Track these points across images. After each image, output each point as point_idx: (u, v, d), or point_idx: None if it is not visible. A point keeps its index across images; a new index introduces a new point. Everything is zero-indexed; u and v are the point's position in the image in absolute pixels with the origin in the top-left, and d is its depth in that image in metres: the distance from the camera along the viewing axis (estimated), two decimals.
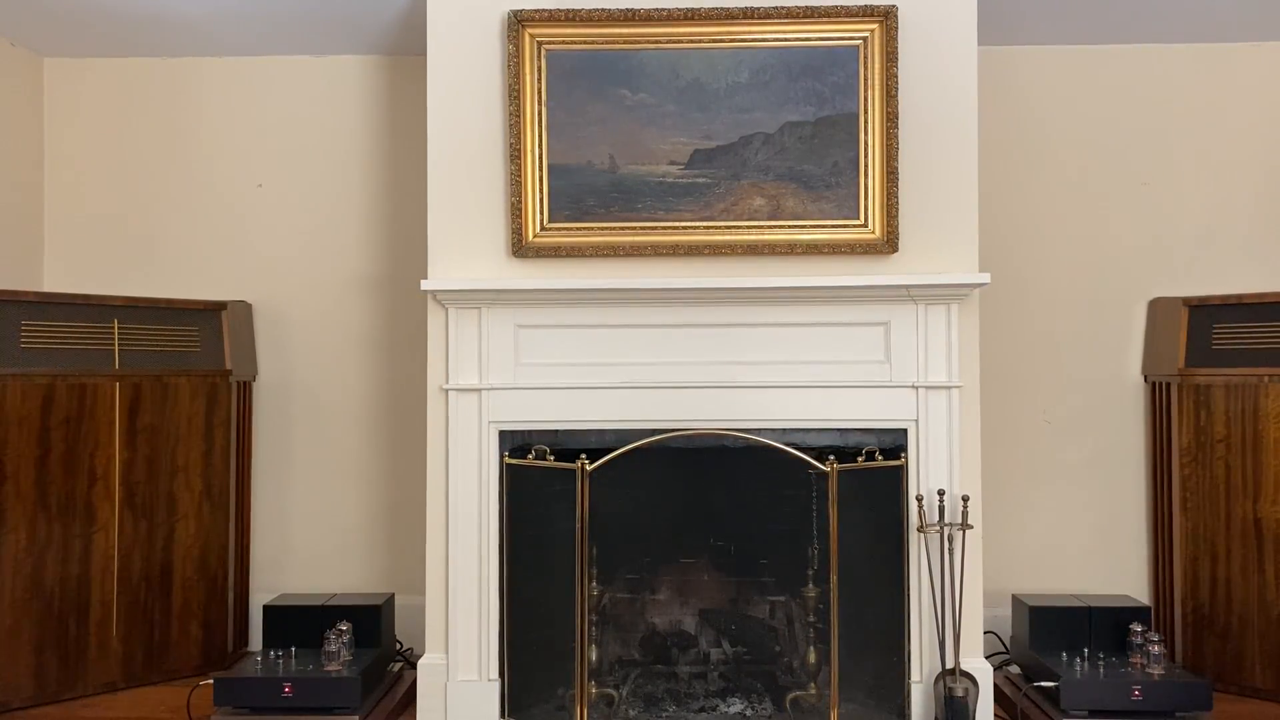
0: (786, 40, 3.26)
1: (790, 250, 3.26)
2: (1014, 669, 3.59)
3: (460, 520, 3.27)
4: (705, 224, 3.28)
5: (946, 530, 3.15)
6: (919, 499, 3.19)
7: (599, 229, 3.29)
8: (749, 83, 3.27)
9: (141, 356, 3.67)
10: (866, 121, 3.25)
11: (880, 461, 3.19)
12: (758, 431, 3.20)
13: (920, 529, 3.18)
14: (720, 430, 3.22)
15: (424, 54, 3.38)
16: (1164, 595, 3.77)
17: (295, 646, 3.41)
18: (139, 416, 3.65)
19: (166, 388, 3.72)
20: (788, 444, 3.14)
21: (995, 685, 3.33)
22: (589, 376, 3.27)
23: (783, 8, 3.24)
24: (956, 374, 3.23)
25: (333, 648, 3.28)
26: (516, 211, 3.27)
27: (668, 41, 3.27)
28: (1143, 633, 3.29)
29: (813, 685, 3.27)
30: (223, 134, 4.11)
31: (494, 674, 3.27)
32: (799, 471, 3.17)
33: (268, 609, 3.53)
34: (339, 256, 4.07)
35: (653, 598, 3.50)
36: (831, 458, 3.07)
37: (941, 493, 3.16)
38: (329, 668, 3.24)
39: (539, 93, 3.28)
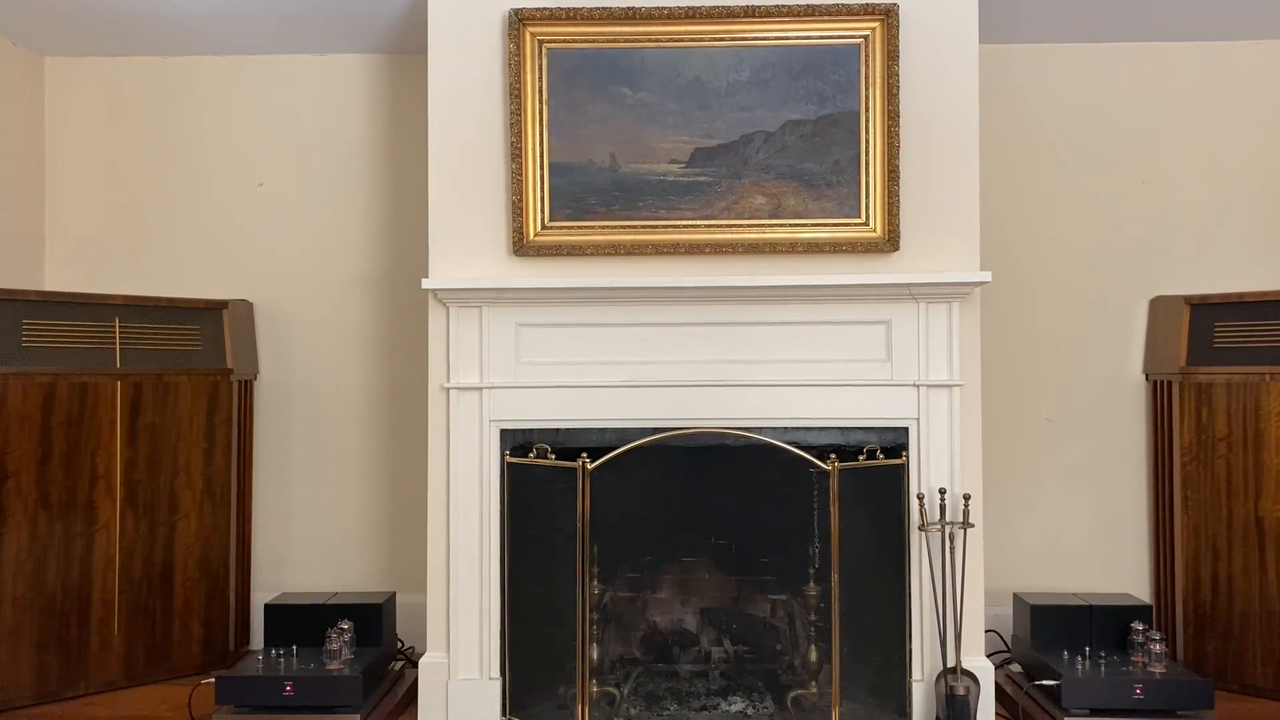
0: (788, 39, 3.26)
1: (791, 249, 3.26)
2: (1015, 668, 3.59)
3: (461, 519, 3.27)
4: (706, 222, 3.28)
5: (948, 529, 3.15)
6: (920, 497, 3.19)
7: (600, 227, 3.29)
8: (750, 81, 3.27)
9: (143, 355, 3.68)
10: (868, 120, 3.25)
11: (881, 460, 3.19)
12: (759, 430, 3.20)
13: (921, 527, 3.18)
14: (721, 429, 3.22)
15: (425, 53, 3.38)
16: (1165, 594, 3.77)
17: (296, 645, 3.41)
18: (140, 415, 3.65)
19: (168, 387, 3.72)
20: (789, 443, 3.14)
21: (996, 684, 3.33)
22: (590, 375, 3.27)
23: (784, 6, 3.23)
24: (958, 372, 3.23)
25: (334, 646, 3.28)
26: (517, 210, 3.27)
27: (669, 40, 3.27)
28: (1144, 631, 3.29)
29: (814, 684, 3.27)
30: (223, 133, 4.11)
31: (495, 672, 3.27)
32: (800, 470, 3.17)
33: (269, 608, 3.53)
34: (340, 255, 4.07)
35: (654, 596, 3.50)
36: (833, 456, 3.07)
37: (943, 491, 3.16)
38: (330, 666, 3.24)
39: (540, 91, 3.28)
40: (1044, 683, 3.24)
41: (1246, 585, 3.54)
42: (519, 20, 3.26)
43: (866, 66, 3.24)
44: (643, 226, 3.28)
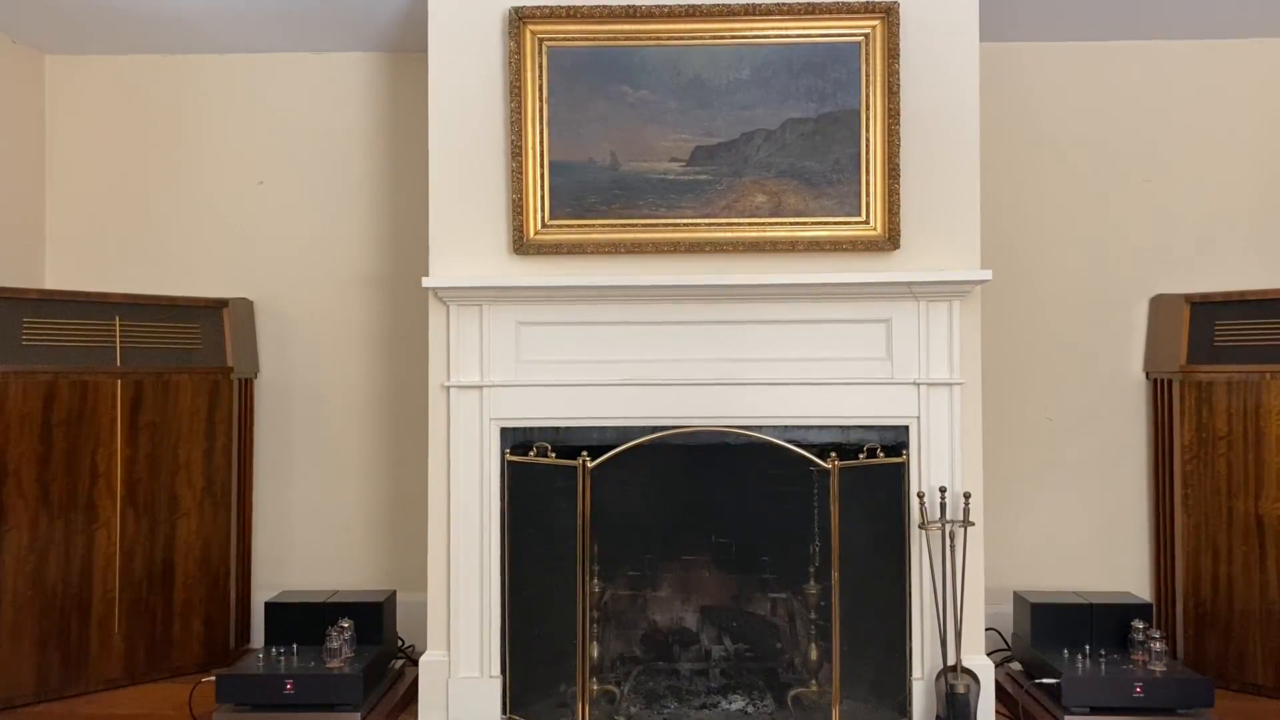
0: (788, 36, 3.26)
1: (792, 247, 3.26)
2: (1015, 666, 3.59)
3: (462, 517, 3.27)
4: (707, 221, 3.28)
5: (948, 527, 3.15)
6: (920, 496, 3.19)
7: (600, 226, 3.28)
8: (750, 79, 3.27)
9: (143, 354, 3.68)
10: (868, 118, 3.24)
11: (882, 459, 3.19)
12: (759, 429, 3.20)
13: (922, 526, 3.18)
14: (722, 427, 3.22)
15: (425, 51, 3.38)
16: (1165, 592, 3.77)
17: (297, 643, 3.41)
18: (140, 414, 3.65)
19: (168, 385, 3.72)
20: (789, 441, 3.14)
21: (997, 682, 3.33)
22: (590, 373, 3.27)
23: (784, 4, 3.23)
24: (958, 371, 3.23)
25: (334, 645, 3.28)
26: (518, 209, 3.27)
27: (669, 38, 3.27)
28: (1144, 630, 3.29)
29: (814, 682, 3.27)
30: (224, 131, 4.11)
31: (495, 671, 3.27)
32: (800, 468, 3.17)
33: (269, 606, 3.53)
34: (340, 254, 4.07)
35: (654, 594, 3.50)
36: (833, 455, 3.07)
37: (943, 490, 3.16)
38: (331, 665, 3.24)
39: (540, 90, 3.27)
40: (1044, 681, 3.24)
41: (1247, 584, 3.54)
42: (519, 19, 3.26)
43: (867, 64, 3.24)
44: (643, 225, 3.28)
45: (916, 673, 3.23)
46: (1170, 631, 3.70)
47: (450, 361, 3.29)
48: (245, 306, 4.01)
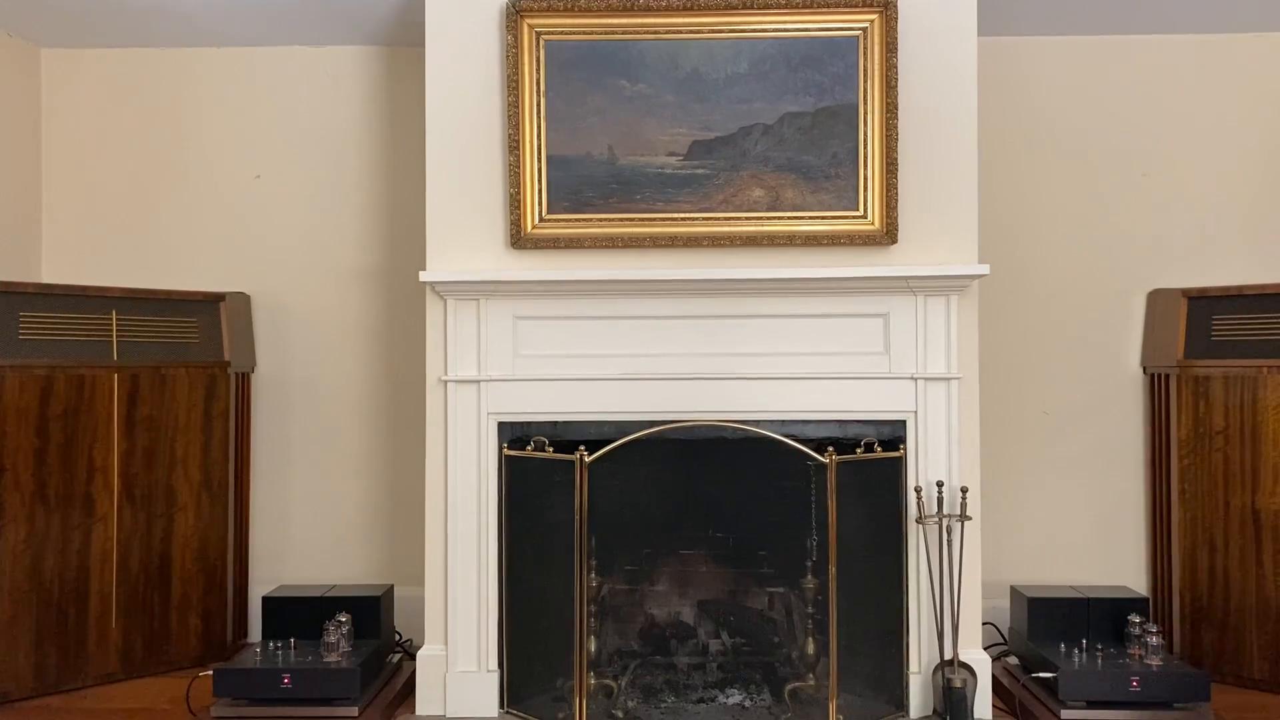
0: (786, 30, 3.25)
1: (789, 241, 3.26)
2: (1012, 660, 3.59)
3: (459, 511, 3.27)
4: (704, 215, 3.27)
5: (945, 521, 3.15)
6: (918, 490, 3.19)
7: (598, 220, 3.28)
8: (748, 73, 3.26)
9: (140, 348, 3.67)
10: (866, 112, 3.24)
11: (879, 453, 3.19)
12: (757, 423, 3.20)
13: (919, 520, 3.18)
14: (719, 422, 3.22)
15: (422, 44, 3.37)
16: (1162, 586, 3.78)
17: (294, 638, 3.41)
18: (137, 408, 3.65)
19: (165, 379, 3.72)
20: (787, 435, 3.14)
21: (994, 676, 3.33)
22: (588, 368, 3.27)
23: None
24: (955, 365, 3.23)
25: (332, 639, 3.29)
26: (515, 203, 3.27)
27: (667, 32, 3.26)
28: (1141, 624, 3.30)
29: (811, 676, 3.27)
30: (220, 125, 4.10)
31: (493, 665, 3.28)
32: (798, 463, 3.17)
33: (267, 600, 3.53)
34: (337, 248, 4.07)
35: (652, 589, 3.50)
36: (830, 449, 3.07)
37: (940, 484, 3.17)
38: (328, 659, 3.24)
39: (537, 83, 3.27)
40: (1041, 675, 3.25)
41: (1243, 578, 3.54)
42: (516, 12, 3.25)
43: (865, 59, 3.24)
44: (641, 219, 3.28)
45: (914, 667, 3.23)
46: (1167, 626, 3.71)
47: (447, 356, 3.29)
48: (242, 300, 4.01)
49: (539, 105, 3.27)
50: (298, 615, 3.48)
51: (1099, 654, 3.27)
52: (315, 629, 3.41)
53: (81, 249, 4.09)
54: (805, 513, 3.33)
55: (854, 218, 3.26)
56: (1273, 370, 3.50)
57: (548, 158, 3.28)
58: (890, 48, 3.21)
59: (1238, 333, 3.58)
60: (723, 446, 3.29)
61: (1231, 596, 3.56)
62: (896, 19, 3.21)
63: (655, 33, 3.26)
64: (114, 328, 3.62)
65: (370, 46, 4.07)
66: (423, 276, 3.23)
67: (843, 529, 3.07)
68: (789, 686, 3.25)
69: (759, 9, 3.23)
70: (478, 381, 3.27)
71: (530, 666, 3.28)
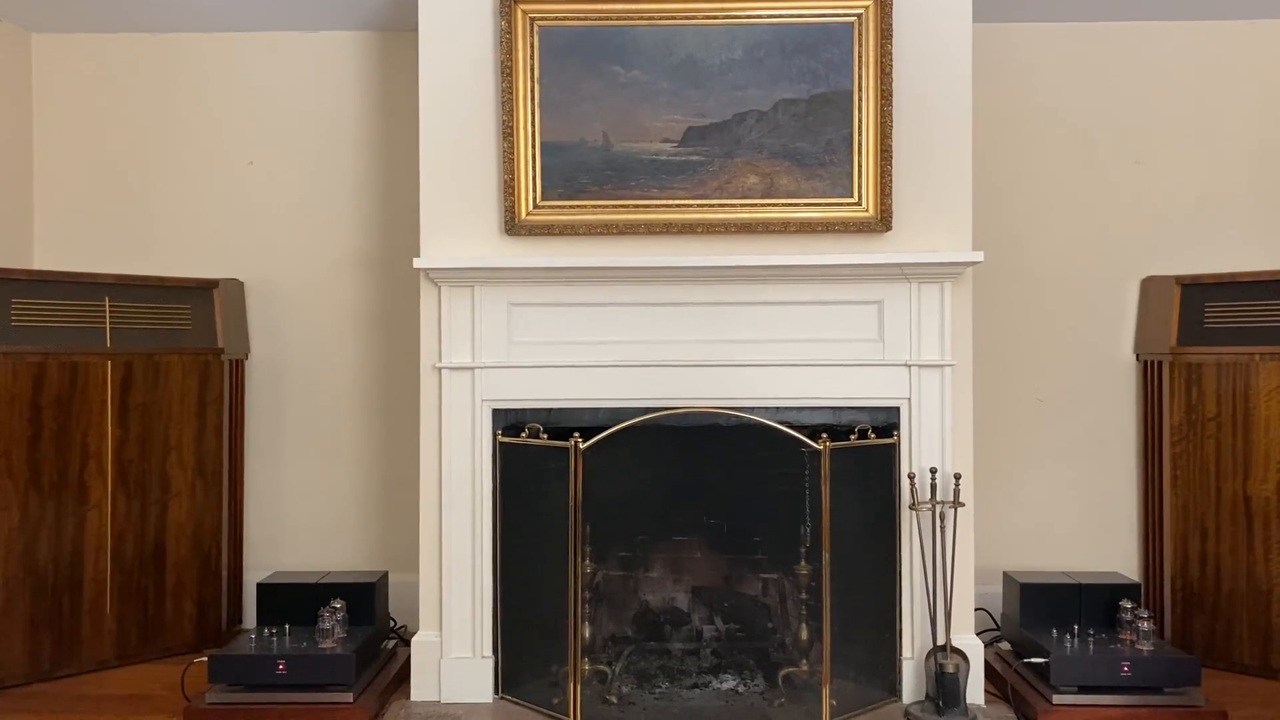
0: (781, 16, 3.24)
1: (784, 228, 3.26)
2: (1005, 645, 3.61)
3: (454, 498, 3.28)
4: (699, 202, 3.27)
5: (938, 508, 3.16)
6: (911, 477, 3.20)
7: (592, 207, 3.28)
8: (743, 60, 3.25)
9: (133, 335, 3.66)
10: (861, 99, 3.24)
11: (873, 440, 3.20)
12: (751, 410, 3.20)
13: (912, 507, 3.19)
14: (714, 408, 3.22)
15: (416, 30, 3.35)
16: (1154, 572, 3.80)
17: (289, 624, 3.41)
18: (131, 395, 3.64)
19: (159, 366, 3.71)
20: (781, 422, 3.14)
21: (986, 661, 3.35)
22: (582, 355, 3.27)
23: None
24: (949, 352, 3.24)
25: (327, 625, 3.29)
26: (509, 189, 3.26)
27: (661, 18, 3.25)
28: (1132, 609, 3.31)
29: (805, 662, 3.29)
30: (213, 111, 4.08)
31: (487, 651, 3.29)
32: (792, 449, 3.17)
33: (261, 587, 3.53)
34: (331, 234, 4.06)
35: (646, 575, 3.51)
36: (824, 436, 3.07)
37: (934, 471, 3.18)
38: (323, 645, 3.25)
39: (532, 69, 3.26)
40: (1033, 660, 3.27)
41: (1234, 564, 3.56)
42: None
43: (860, 45, 3.23)
44: (635, 206, 3.27)
45: (906, 652, 3.25)
46: (1158, 611, 3.73)
47: (442, 343, 3.28)
48: (236, 287, 4.00)
49: (533, 91, 3.26)
50: (292, 602, 3.47)
51: (1091, 639, 3.28)
52: (310, 615, 3.40)
53: (74, 235, 4.08)
54: (799, 499, 3.34)
55: (848, 205, 3.26)
56: (1265, 357, 3.51)
57: (542, 144, 3.27)
58: (885, 34, 3.20)
59: (1231, 320, 3.59)
60: (717, 433, 3.29)
61: (1222, 582, 3.58)
62: (891, 5, 3.20)
63: (650, 18, 3.25)
64: (107, 314, 3.61)
65: (364, 32, 4.05)
66: (417, 263, 3.23)
67: (836, 515, 3.08)
68: (782, 672, 3.26)
69: None
70: (472, 368, 3.27)
71: (525, 653, 3.29)
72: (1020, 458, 3.96)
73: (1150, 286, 3.87)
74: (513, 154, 3.25)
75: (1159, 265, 3.91)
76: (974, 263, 3.17)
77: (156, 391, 3.70)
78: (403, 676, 3.43)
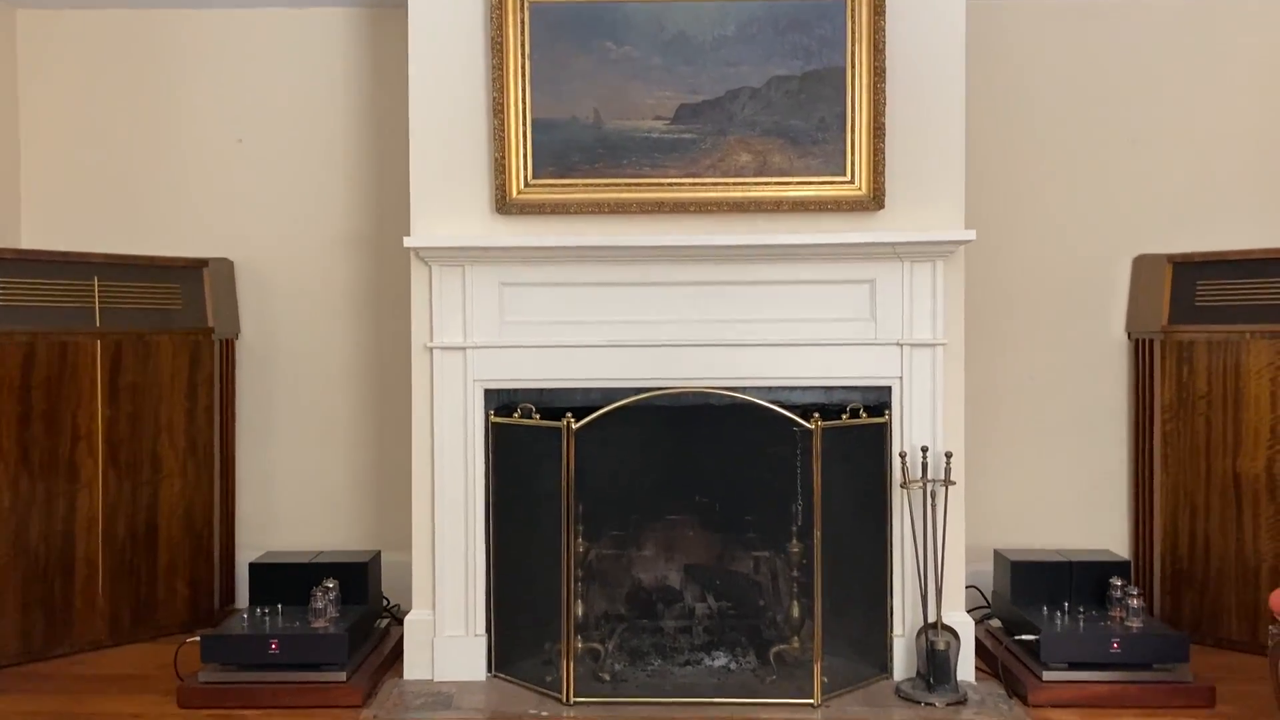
0: None
1: (777, 207, 3.24)
2: (995, 623, 3.63)
3: (446, 478, 3.27)
4: (691, 180, 3.25)
5: (929, 486, 3.17)
6: (902, 455, 3.21)
7: (584, 185, 3.26)
8: (735, 36, 3.23)
9: (123, 314, 3.64)
10: (854, 76, 3.22)
11: (864, 419, 3.20)
12: (743, 389, 3.20)
13: (903, 485, 3.20)
14: (706, 388, 3.22)
15: (406, 6, 3.32)
16: (1144, 550, 3.82)
17: (282, 604, 3.41)
18: (121, 375, 3.63)
19: (148, 346, 3.69)
20: (773, 402, 3.14)
21: (976, 638, 3.37)
22: (574, 335, 3.26)
23: None
24: (941, 331, 3.23)
25: (319, 605, 3.29)
26: (500, 168, 3.24)
27: None
28: (1122, 587, 3.33)
29: (796, 639, 3.30)
30: (202, 88, 4.04)
31: (480, 629, 3.29)
32: (784, 429, 3.18)
33: (254, 566, 3.53)
34: (321, 213, 4.03)
35: (638, 554, 3.52)
36: (816, 415, 3.08)
37: (925, 449, 3.18)
38: (315, 625, 3.25)
39: (522, 45, 3.23)
40: (1023, 637, 3.28)
41: (1223, 541, 3.58)
42: None
43: (853, 22, 3.20)
44: (627, 184, 3.25)
45: (897, 630, 3.26)
46: (1148, 588, 3.75)
47: (433, 322, 3.27)
48: (225, 266, 3.97)
49: (524, 68, 3.23)
50: (285, 581, 3.47)
51: (1081, 616, 3.30)
52: (302, 595, 3.40)
53: (61, 214, 4.04)
54: (791, 478, 3.34)
55: (841, 183, 3.24)
56: (1256, 335, 3.51)
57: (533, 121, 3.24)
58: (878, 10, 3.18)
59: (1222, 298, 3.59)
60: (709, 413, 3.29)
61: (1211, 559, 3.60)
62: None
63: None
64: (96, 294, 3.59)
65: (353, 9, 4.01)
66: (407, 242, 3.21)
67: (828, 494, 3.09)
68: (774, 649, 3.28)
69: None
70: (463, 348, 3.26)
71: (518, 631, 3.30)
72: (1011, 436, 3.97)
73: (1142, 265, 3.87)
74: (503, 132, 3.23)
75: (1151, 244, 3.91)
76: (966, 241, 3.17)
77: (146, 371, 3.69)
78: (396, 655, 3.44)
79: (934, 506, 3.17)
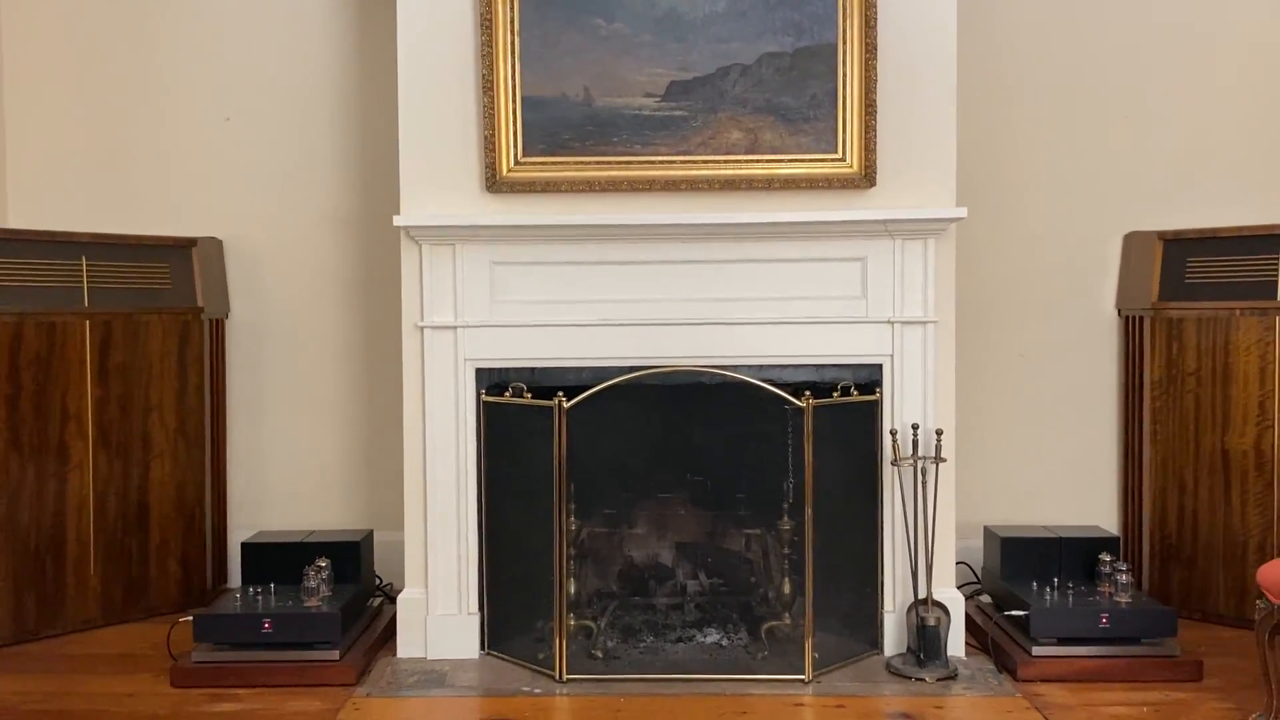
0: None
1: (768, 185, 3.23)
2: (985, 598, 3.65)
3: (438, 457, 3.27)
4: (682, 158, 3.24)
5: (920, 464, 3.18)
6: (893, 433, 3.22)
7: (574, 163, 3.24)
8: (726, 12, 3.21)
9: (111, 294, 3.62)
10: (845, 53, 3.20)
11: (856, 396, 3.20)
12: (735, 368, 3.20)
13: (894, 462, 3.21)
14: (697, 367, 3.22)
15: None
16: (1133, 526, 3.84)
17: (274, 583, 3.41)
18: (110, 355, 3.61)
19: (138, 326, 3.68)
20: (765, 380, 3.14)
21: (967, 614, 3.39)
22: (565, 314, 3.25)
23: None
24: (932, 309, 3.24)
25: (312, 584, 3.29)
26: (490, 145, 3.22)
27: None
28: (1111, 562, 3.35)
29: (787, 615, 3.32)
30: (190, 65, 4.00)
31: (473, 607, 3.30)
32: (775, 407, 3.18)
33: (246, 546, 3.53)
34: (311, 191, 4.01)
35: (631, 532, 3.53)
36: (807, 393, 3.08)
37: (916, 427, 3.19)
38: (308, 603, 3.25)
39: (511, 22, 3.20)
40: (1013, 613, 3.30)
41: (1211, 517, 3.60)
42: None
43: None
44: (618, 162, 3.24)
45: (888, 606, 3.28)
46: (1136, 564, 3.77)
47: (424, 301, 3.26)
48: (214, 245, 3.95)
49: (513, 45, 3.21)
50: (277, 560, 3.48)
51: (1070, 592, 3.32)
52: (295, 574, 3.40)
53: (48, 193, 4.01)
54: (782, 456, 3.35)
55: (832, 160, 3.23)
56: (1245, 312, 3.52)
57: (523, 99, 3.23)
58: None
59: (1212, 275, 3.60)
60: (701, 391, 3.30)
61: (1200, 535, 3.63)
62: None
63: None
64: (84, 274, 3.57)
65: None
66: (397, 221, 3.20)
67: (819, 472, 3.10)
68: (765, 625, 3.30)
69: None
70: (454, 327, 3.25)
71: (510, 609, 3.31)
72: (1002, 413, 3.98)
73: (1132, 242, 3.88)
74: (493, 109, 3.21)
75: (1141, 220, 3.90)
76: (957, 219, 3.17)
77: (136, 351, 3.67)
78: (389, 634, 3.45)
79: (924, 483, 3.18)
